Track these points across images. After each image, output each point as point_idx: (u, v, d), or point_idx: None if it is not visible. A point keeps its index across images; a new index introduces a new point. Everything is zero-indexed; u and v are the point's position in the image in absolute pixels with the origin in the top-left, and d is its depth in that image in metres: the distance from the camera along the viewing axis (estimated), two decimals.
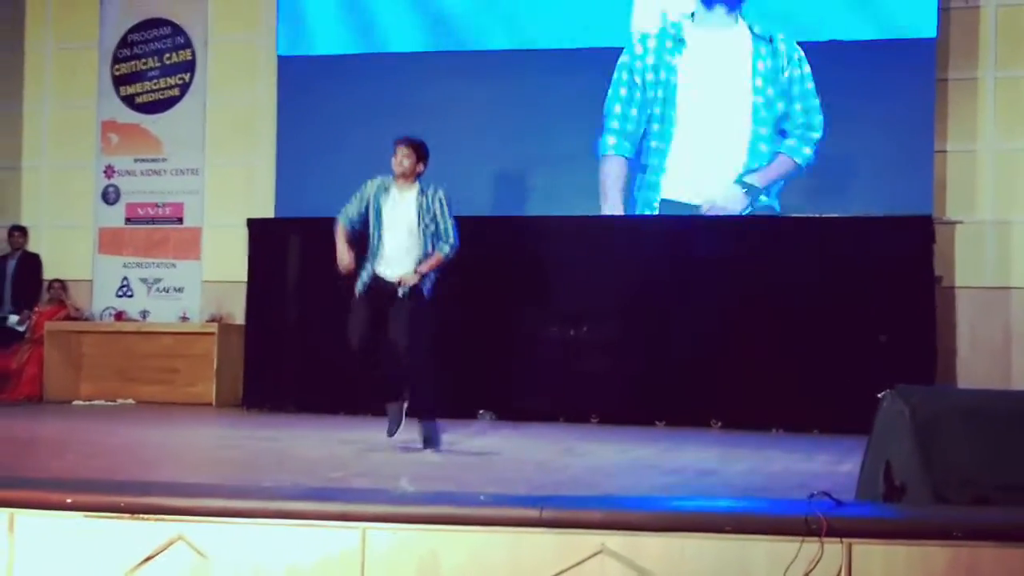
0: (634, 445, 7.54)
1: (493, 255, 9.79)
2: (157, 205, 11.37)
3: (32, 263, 11.46)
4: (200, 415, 9.64)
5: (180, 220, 11.31)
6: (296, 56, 10.61)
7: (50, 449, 6.98)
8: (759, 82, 9.64)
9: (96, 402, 10.77)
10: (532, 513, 3.85)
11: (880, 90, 9.39)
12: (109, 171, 11.57)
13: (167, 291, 11.27)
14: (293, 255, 10.37)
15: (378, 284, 6.86)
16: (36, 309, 11.25)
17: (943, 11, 9.39)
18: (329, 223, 10.06)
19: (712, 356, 9.36)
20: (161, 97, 11.49)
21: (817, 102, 9.53)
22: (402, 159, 6.93)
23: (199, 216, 11.25)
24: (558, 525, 3.85)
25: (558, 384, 9.57)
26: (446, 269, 7.07)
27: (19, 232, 11.48)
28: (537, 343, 9.75)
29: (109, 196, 11.57)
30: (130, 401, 10.81)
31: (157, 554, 4.06)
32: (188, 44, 11.47)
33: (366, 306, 6.85)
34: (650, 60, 9.83)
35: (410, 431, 6.98)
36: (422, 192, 6.91)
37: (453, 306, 9.68)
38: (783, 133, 9.61)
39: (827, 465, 6.56)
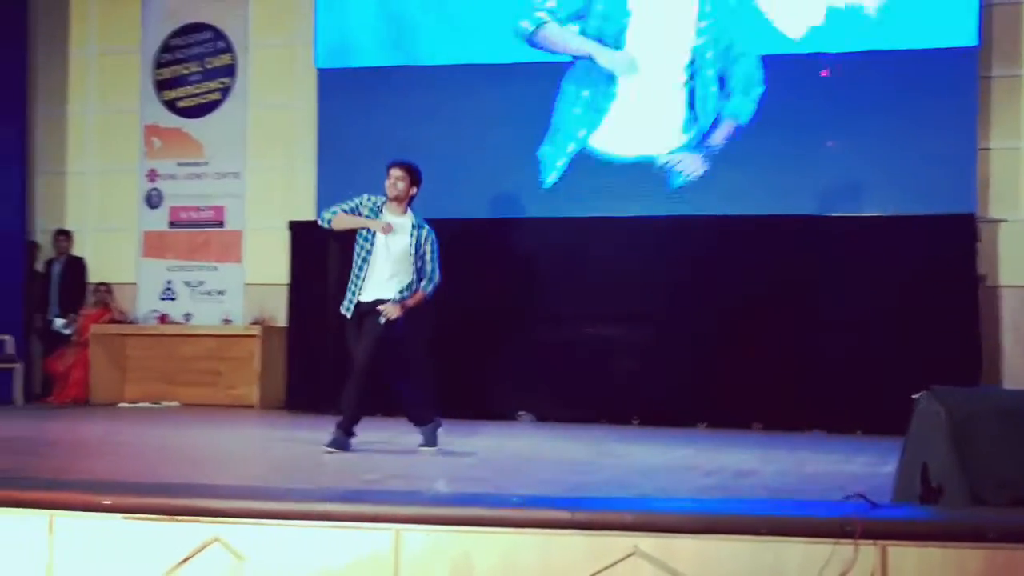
0: (673, 447, 7.52)
1: (533, 256, 9.84)
2: (199, 208, 11.47)
3: (77, 267, 11.59)
4: (243, 417, 9.70)
5: (221, 223, 11.41)
6: (334, 68, 10.69)
7: (92, 451, 7.06)
8: (703, 36, 9.69)
9: (141, 404, 10.88)
10: (564, 515, 3.85)
11: (922, 90, 9.31)
12: (152, 175, 11.68)
13: (209, 294, 11.37)
14: (335, 257, 10.37)
15: (360, 309, 6.92)
16: (82, 312, 11.37)
17: (986, 7, 9.29)
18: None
19: (753, 357, 9.33)
20: (202, 101, 11.59)
21: (758, 56, 9.59)
22: (396, 181, 6.98)
23: (240, 219, 11.33)
24: (590, 527, 3.84)
25: (598, 386, 9.56)
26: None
27: (64, 236, 11.62)
28: (577, 344, 9.74)
29: (152, 200, 11.68)
30: (174, 403, 10.91)
31: (194, 555, 4.09)
32: (229, 48, 11.56)
33: (358, 333, 6.92)
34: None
35: (447, 435, 7.03)
36: (416, 227, 6.99)
37: (493, 307, 9.76)
38: (723, 87, 9.67)
39: (867, 467, 6.51)
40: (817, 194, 9.51)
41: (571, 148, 9.98)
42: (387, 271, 6.90)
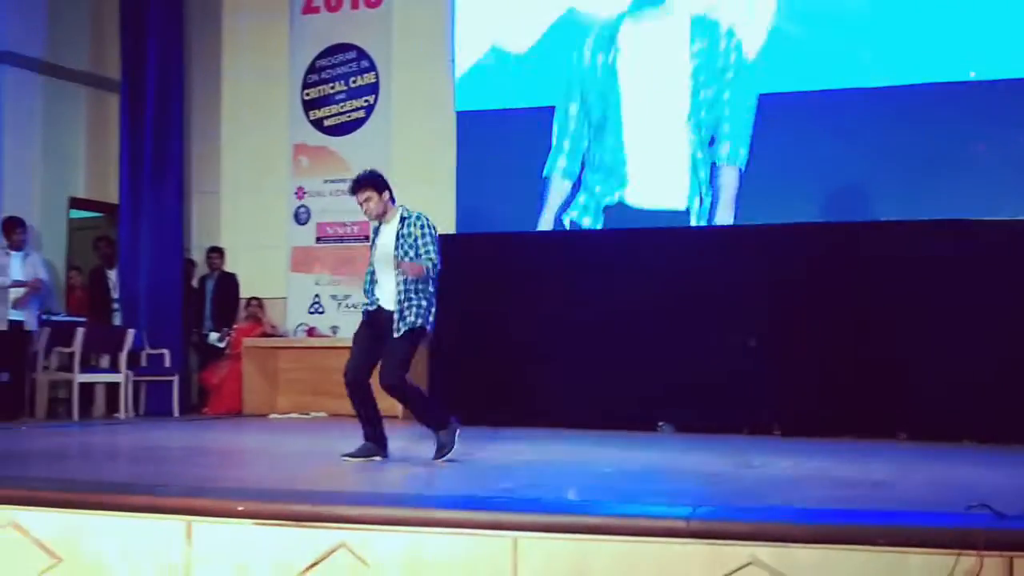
0: (813, 457, 7.38)
1: (676, 265, 9.78)
2: (345, 224, 11.75)
3: (230, 282, 12.00)
4: (386, 428, 9.84)
5: (367, 238, 11.58)
6: (472, 111, 10.92)
7: (237, 460, 7.30)
8: (693, 78, 9.94)
9: (291, 415, 11.18)
10: (680, 524, 3.84)
11: None
12: (300, 192, 12.02)
13: (355, 307, 11.60)
14: (475, 270, 10.51)
15: (378, 313, 6.65)
16: (235, 326, 11.76)
17: None
18: (509, 239, 10.44)
19: (899, 365, 9.10)
20: (348, 119, 11.90)
21: (749, 98, 9.74)
22: (365, 204, 6.58)
23: None
24: (707, 536, 3.83)
25: (740, 395, 9.44)
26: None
27: (217, 253, 12.04)
28: (718, 354, 9.63)
29: (301, 216, 12.02)
30: (322, 414, 11.17)
31: (320, 560, 4.21)
32: (372, 67, 11.84)
33: (367, 336, 6.65)
34: (587, 62, 10.27)
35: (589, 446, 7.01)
36: (402, 220, 6.61)
37: (634, 317, 9.75)
38: (713, 139, 9.89)
39: (1016, 479, 6.29)
40: (967, 197, 9.26)
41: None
42: (386, 277, 6.60)
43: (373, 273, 6.76)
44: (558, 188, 10.46)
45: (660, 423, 9.57)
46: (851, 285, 9.35)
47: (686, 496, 5.14)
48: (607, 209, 10.27)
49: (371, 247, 6.84)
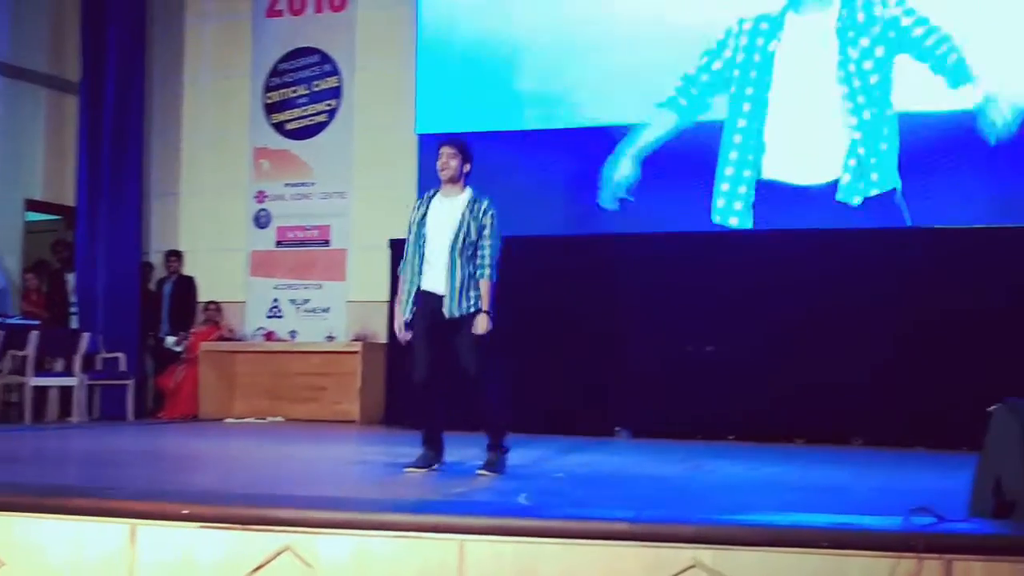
0: (766, 462, 7.42)
1: (632, 272, 9.80)
2: (305, 228, 11.71)
3: (188, 286, 11.94)
4: (342, 432, 9.83)
5: (327, 242, 11.64)
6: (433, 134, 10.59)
7: (187, 464, 7.25)
8: (851, 68, 9.59)
9: (247, 420, 11.11)
10: (624, 527, 3.84)
11: None
12: (261, 196, 11.98)
13: (314, 311, 11.59)
14: None
15: (428, 302, 6.21)
16: (192, 330, 11.69)
17: None
18: None
19: (853, 372, 9.15)
20: (310, 123, 11.86)
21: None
22: (447, 160, 6.26)
23: (345, 238, 11.54)
24: (651, 539, 3.83)
25: (695, 401, 9.47)
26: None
27: (175, 256, 11.98)
28: (675, 361, 9.68)
29: (261, 220, 11.97)
30: (279, 419, 11.11)
31: (266, 563, 4.18)
32: (335, 71, 11.81)
33: (423, 332, 6.22)
34: (744, 41, 9.93)
35: (545, 451, 7.00)
36: (474, 200, 6.28)
37: (591, 322, 9.77)
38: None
39: (968, 483, 6.31)
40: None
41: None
42: (443, 253, 6.18)
43: (418, 252, 6.27)
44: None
45: (617, 428, 9.58)
46: (806, 292, 9.37)
47: (632, 500, 5.16)
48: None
49: (415, 225, 6.32)
